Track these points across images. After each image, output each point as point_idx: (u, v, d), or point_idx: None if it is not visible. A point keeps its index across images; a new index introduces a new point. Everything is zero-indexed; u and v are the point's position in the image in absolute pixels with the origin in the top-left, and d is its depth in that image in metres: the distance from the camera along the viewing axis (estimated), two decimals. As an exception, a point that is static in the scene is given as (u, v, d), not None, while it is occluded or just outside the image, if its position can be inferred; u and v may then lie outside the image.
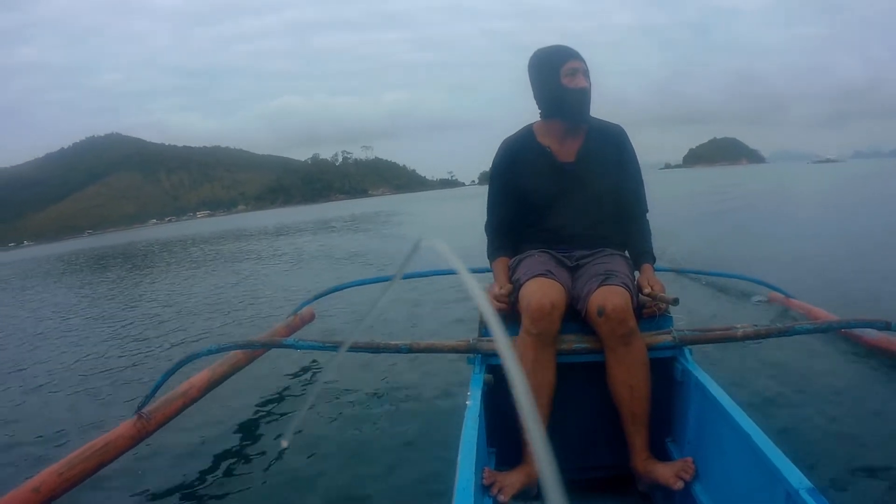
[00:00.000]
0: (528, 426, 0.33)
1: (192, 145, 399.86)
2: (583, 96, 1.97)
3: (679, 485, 1.63)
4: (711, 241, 8.25)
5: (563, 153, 2.04)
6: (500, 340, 0.39)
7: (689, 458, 1.69)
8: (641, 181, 2.11)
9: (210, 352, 2.41)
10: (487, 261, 2.16)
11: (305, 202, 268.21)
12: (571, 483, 1.82)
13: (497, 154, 2.13)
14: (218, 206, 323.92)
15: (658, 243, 2.13)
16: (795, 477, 1.17)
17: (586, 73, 1.98)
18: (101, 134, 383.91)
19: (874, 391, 2.62)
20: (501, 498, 1.64)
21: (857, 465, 2.01)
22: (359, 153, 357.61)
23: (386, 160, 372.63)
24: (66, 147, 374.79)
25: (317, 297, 4.26)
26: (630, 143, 2.10)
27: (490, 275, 2.13)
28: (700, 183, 35.56)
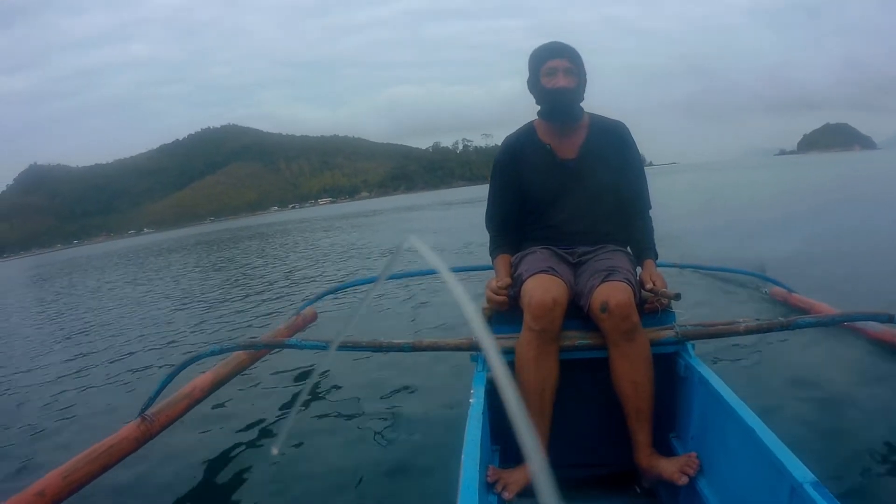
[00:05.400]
0: (517, 425, 0.33)
1: (309, 135, 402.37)
2: (560, 96, 1.95)
3: (683, 480, 1.63)
4: (722, 238, 8.09)
5: (564, 150, 2.04)
6: (484, 338, 0.39)
7: (693, 454, 1.69)
8: (644, 178, 2.11)
9: (213, 353, 2.41)
10: (490, 257, 2.16)
11: (428, 189, 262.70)
12: (575, 480, 1.84)
13: (499, 151, 2.14)
14: (339, 192, 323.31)
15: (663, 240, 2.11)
16: (800, 471, 1.17)
17: (569, 72, 1.95)
18: (217, 125, 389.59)
19: (877, 384, 2.61)
20: (506, 495, 1.64)
21: (861, 458, 2.00)
22: (479, 141, 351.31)
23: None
24: (180, 138, 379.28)
25: (318, 298, 4.26)
26: (632, 140, 2.10)
27: (481, 273, 2.13)
28: (783, 172, 34.78)
